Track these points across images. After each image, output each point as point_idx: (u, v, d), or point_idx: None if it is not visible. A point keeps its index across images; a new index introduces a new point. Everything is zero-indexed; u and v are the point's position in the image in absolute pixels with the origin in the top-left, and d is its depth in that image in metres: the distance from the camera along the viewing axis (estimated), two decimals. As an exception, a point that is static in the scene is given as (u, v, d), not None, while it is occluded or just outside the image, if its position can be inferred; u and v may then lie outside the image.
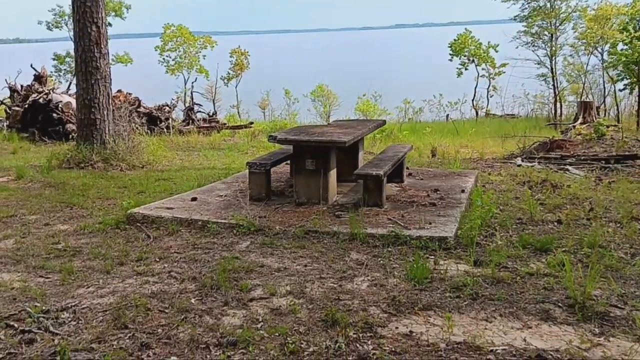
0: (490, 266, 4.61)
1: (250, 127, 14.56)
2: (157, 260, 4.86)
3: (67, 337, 3.47)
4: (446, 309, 3.94)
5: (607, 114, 19.84)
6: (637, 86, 18.71)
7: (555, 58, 18.14)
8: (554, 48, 17.90)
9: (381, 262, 4.79)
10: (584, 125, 14.97)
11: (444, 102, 20.34)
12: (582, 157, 10.04)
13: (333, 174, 6.36)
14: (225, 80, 22.61)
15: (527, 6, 18.15)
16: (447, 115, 21.56)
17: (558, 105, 18.66)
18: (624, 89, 18.93)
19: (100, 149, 9.47)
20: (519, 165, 9.90)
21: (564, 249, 5.11)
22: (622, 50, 18.40)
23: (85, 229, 5.84)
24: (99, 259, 4.91)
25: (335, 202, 6.39)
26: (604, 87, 20.03)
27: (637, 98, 19.15)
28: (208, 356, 3.26)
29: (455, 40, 21.93)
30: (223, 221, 5.67)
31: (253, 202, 6.45)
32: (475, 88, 21.99)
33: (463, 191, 6.85)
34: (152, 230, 5.66)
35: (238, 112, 22.07)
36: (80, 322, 3.70)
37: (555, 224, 5.95)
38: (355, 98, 21.71)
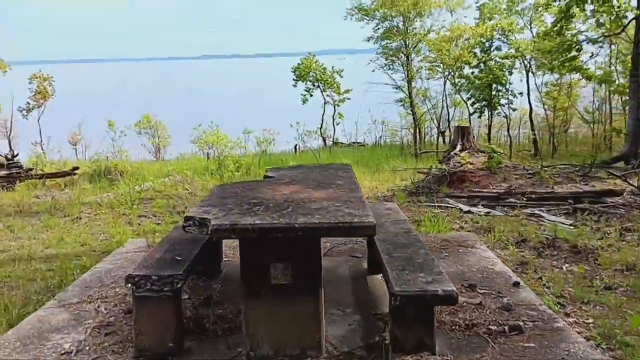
0: None
1: (75, 173, 10.18)
2: None
3: None
4: None
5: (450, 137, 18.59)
6: (486, 109, 17.68)
7: (412, 82, 16.31)
8: (411, 72, 16.04)
9: None
10: (465, 153, 13.04)
11: (300, 131, 17.43)
12: (535, 197, 7.68)
13: (322, 290, 2.94)
14: (24, 112, 17.38)
15: (381, 26, 16.10)
16: (296, 146, 18.75)
17: (417, 131, 16.81)
18: (473, 112, 17.75)
19: None
20: (468, 212, 7.25)
21: None
22: (467, 73, 17.23)
23: None
24: None
25: (333, 348, 2.97)
26: (448, 113, 18.72)
27: (487, 121, 18.11)
28: None
29: (299, 64, 19.27)
30: None
31: (150, 364, 2.77)
32: (323, 115, 19.54)
33: (517, 284, 3.85)
34: None
35: (43, 151, 16.95)
36: None
37: None
38: (187, 130, 17.97)
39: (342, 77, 19.60)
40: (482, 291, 3.72)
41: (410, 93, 16.31)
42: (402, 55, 16.14)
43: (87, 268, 4.55)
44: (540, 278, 4.35)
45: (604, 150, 14.66)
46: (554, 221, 6.49)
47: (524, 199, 7.63)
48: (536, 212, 6.92)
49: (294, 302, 2.83)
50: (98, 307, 3.62)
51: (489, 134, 17.98)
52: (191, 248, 3.40)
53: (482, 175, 10.25)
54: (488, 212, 7.08)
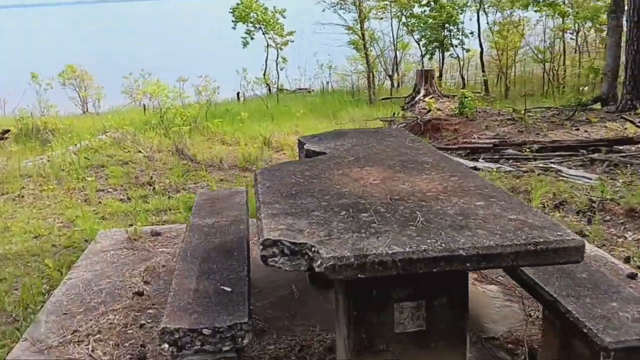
0: None
1: (6, 137, 8.51)
2: None
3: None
4: None
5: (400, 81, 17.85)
6: (437, 50, 16.92)
7: (365, 23, 15.13)
8: (363, 11, 14.86)
9: None
10: (429, 98, 12.24)
11: (244, 77, 15.97)
12: (538, 147, 6.92)
13: (468, 337, 1.96)
14: None
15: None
16: (238, 94, 17.39)
17: (371, 76, 15.74)
18: (424, 54, 16.92)
19: None
20: (474, 168, 6.43)
21: None
22: (417, 13, 16.31)
23: None
24: None
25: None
26: (396, 55, 17.77)
27: (437, 64, 17.34)
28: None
29: (238, 4, 17.57)
30: None
31: None
32: (266, 60, 18.08)
33: (633, 276, 3.03)
34: None
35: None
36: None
37: None
38: (115, 80, 16.20)
39: (284, 17, 18.12)
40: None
41: (363, 35, 15.16)
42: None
43: (54, 279, 3.36)
44: (630, 258, 3.58)
45: (561, 92, 14.30)
46: (576, 176, 5.79)
47: (527, 149, 6.87)
48: (551, 165, 6.19)
49: (429, 356, 1.85)
50: (92, 350, 2.50)
51: (440, 76, 17.24)
52: (233, 267, 2.32)
53: (458, 123, 9.49)
54: (498, 168, 6.29)
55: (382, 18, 15.87)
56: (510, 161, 6.68)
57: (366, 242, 1.64)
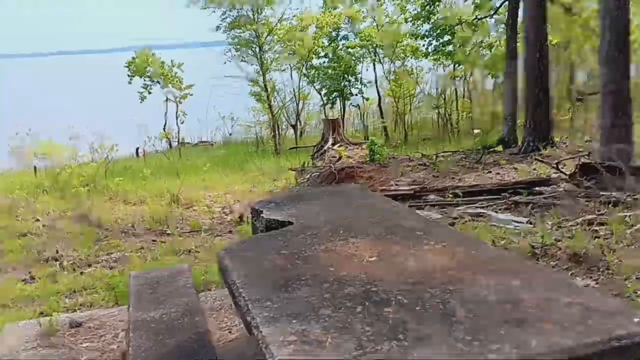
0: None
1: None
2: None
3: None
4: None
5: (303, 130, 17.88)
6: (338, 99, 17.17)
7: (267, 74, 14.94)
8: (265, 64, 14.69)
9: None
10: (338, 146, 12.20)
11: (152, 135, 15.20)
12: (459, 191, 6.88)
13: None
14: None
15: (229, 15, 14.48)
16: (137, 149, 16.54)
17: (276, 126, 15.50)
18: (326, 103, 17.07)
19: None
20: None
21: None
22: (316, 64, 16.58)
23: None
24: None
25: None
26: (297, 105, 17.82)
27: (339, 113, 17.55)
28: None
29: (134, 58, 16.84)
30: None
31: None
32: (166, 114, 17.39)
33: None
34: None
35: None
36: None
37: None
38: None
39: (182, 71, 17.62)
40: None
41: (265, 86, 15.00)
42: (255, 46, 14.77)
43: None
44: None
45: (456, 135, 14.85)
46: (505, 220, 5.74)
47: (450, 195, 6.81)
48: (480, 211, 6.13)
49: None
50: None
51: (342, 125, 17.41)
52: None
53: (372, 170, 9.43)
54: (427, 216, 6.14)
55: (283, 69, 15.83)
56: (436, 207, 6.59)
57: (414, 355, 1.25)
